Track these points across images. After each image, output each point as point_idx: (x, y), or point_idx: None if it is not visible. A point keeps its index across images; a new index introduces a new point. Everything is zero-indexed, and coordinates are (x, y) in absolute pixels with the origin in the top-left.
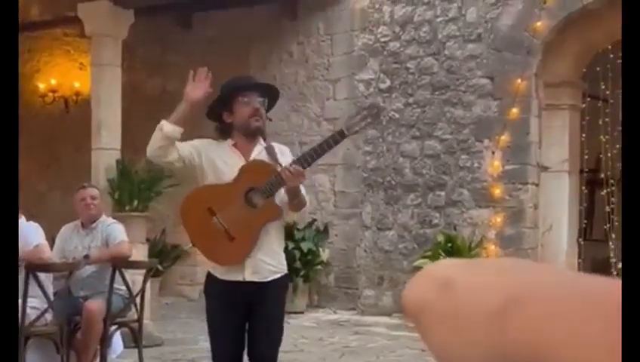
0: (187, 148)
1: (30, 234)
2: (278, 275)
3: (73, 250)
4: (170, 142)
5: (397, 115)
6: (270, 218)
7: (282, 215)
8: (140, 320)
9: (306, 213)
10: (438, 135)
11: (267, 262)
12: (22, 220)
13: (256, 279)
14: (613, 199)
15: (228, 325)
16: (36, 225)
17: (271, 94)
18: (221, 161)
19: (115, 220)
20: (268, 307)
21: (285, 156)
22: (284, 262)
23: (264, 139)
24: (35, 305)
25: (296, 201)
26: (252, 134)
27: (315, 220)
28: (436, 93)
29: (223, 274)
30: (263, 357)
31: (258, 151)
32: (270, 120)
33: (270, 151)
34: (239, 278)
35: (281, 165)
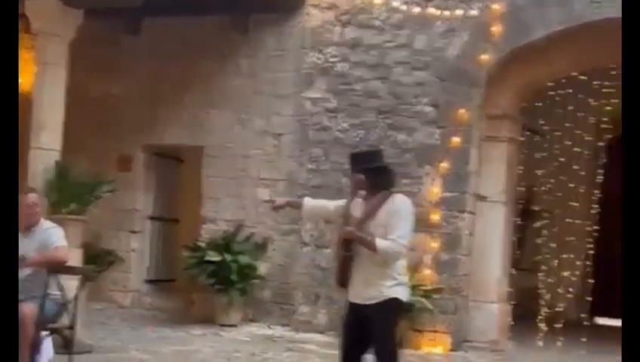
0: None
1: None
2: (377, 300)
3: None
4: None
5: (342, 136)
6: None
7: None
8: (72, 326)
9: (387, 256)
10: None
11: (364, 290)
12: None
13: (358, 301)
14: (544, 231)
15: (345, 329)
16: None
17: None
18: None
19: (55, 224)
20: (373, 324)
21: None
22: (387, 291)
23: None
24: None
25: (365, 246)
26: None
27: (253, 234)
28: (381, 116)
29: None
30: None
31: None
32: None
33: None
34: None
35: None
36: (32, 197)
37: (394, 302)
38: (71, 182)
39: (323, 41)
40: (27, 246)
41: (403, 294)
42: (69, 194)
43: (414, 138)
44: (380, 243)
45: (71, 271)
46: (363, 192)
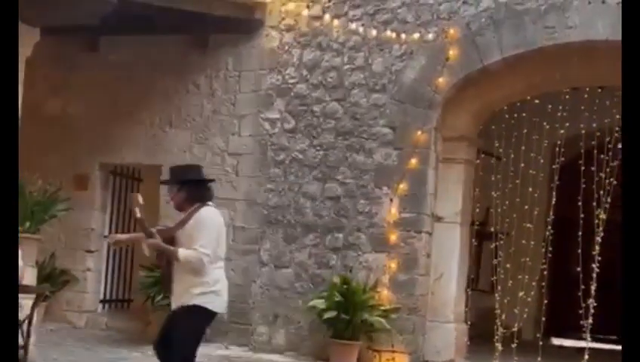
0: None
1: None
2: (181, 306)
3: None
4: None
5: (300, 156)
6: None
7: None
8: (25, 346)
9: (189, 265)
10: (340, 178)
11: (178, 298)
12: None
13: (173, 307)
14: (500, 252)
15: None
16: None
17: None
18: None
19: None
20: (171, 329)
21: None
22: (193, 298)
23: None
24: None
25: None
26: None
27: None
28: (340, 137)
29: None
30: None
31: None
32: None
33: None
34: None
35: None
36: None
37: (195, 309)
38: (25, 201)
39: (281, 63)
40: None
41: (209, 302)
42: (24, 213)
43: (372, 159)
44: (181, 252)
45: (24, 290)
46: (172, 203)
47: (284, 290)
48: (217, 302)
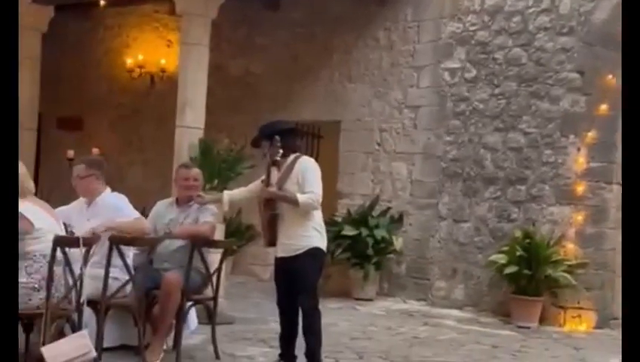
0: None
1: (123, 205)
2: (302, 251)
3: (167, 225)
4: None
5: (481, 106)
6: None
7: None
8: (215, 298)
9: (307, 208)
10: (523, 128)
11: (289, 243)
12: (107, 191)
13: (285, 255)
14: None
15: (278, 285)
16: (122, 196)
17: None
18: None
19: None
20: (298, 274)
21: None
22: (309, 240)
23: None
24: (116, 275)
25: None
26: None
27: (389, 208)
28: (523, 85)
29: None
30: (301, 304)
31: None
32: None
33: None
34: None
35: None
36: (196, 171)
37: (316, 251)
38: (213, 160)
39: (462, 10)
40: (183, 219)
41: (323, 243)
42: (212, 171)
43: (558, 106)
44: (300, 197)
45: (213, 244)
46: (280, 152)
47: (464, 245)
48: (325, 242)
